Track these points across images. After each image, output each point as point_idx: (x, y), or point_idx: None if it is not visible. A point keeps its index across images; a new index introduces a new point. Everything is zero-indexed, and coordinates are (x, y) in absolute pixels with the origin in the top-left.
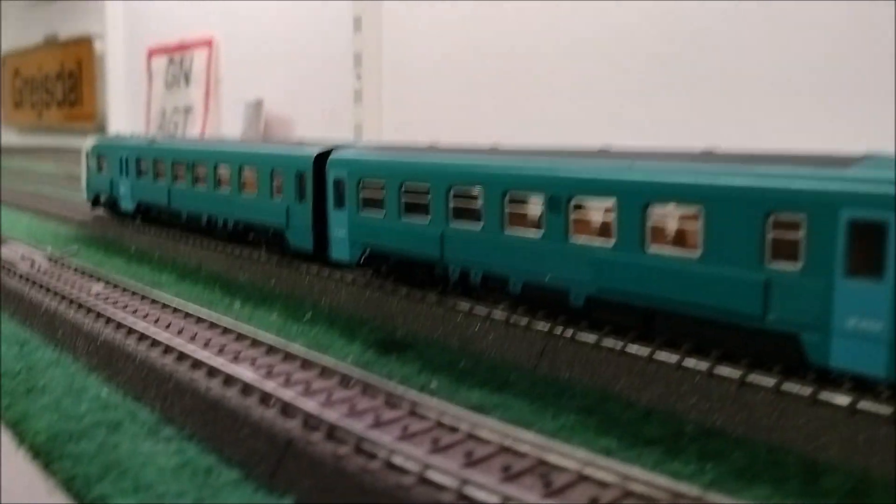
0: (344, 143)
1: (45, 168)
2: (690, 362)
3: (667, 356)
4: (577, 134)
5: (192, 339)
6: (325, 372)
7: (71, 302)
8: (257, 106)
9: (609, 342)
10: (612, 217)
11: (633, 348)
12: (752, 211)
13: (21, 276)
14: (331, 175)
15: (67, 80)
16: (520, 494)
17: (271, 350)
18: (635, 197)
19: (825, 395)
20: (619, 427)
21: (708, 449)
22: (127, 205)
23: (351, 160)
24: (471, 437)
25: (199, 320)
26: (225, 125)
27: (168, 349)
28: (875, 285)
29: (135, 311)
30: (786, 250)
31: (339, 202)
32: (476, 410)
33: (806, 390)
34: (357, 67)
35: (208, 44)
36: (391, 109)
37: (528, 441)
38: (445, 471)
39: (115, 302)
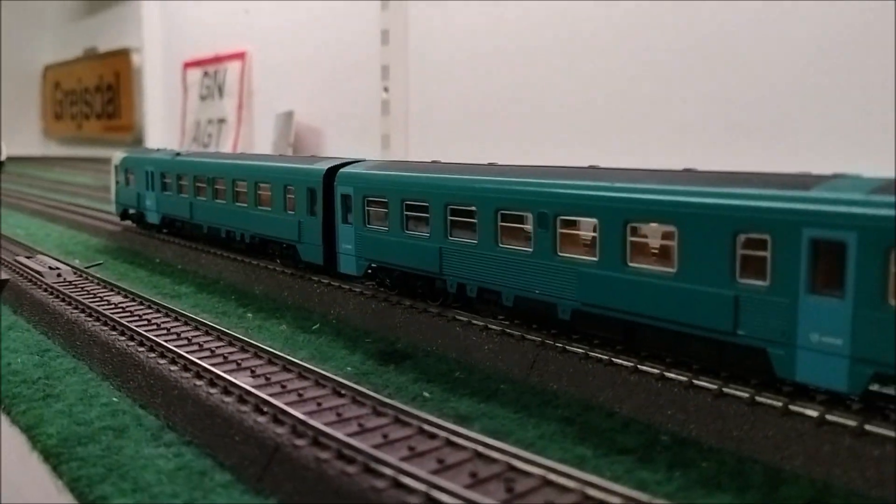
0: (355, 158)
1: (83, 180)
2: (672, 374)
3: (650, 368)
4: (602, 146)
5: (200, 349)
6: (320, 381)
7: (90, 313)
8: (288, 117)
9: (597, 354)
10: (595, 234)
11: (620, 360)
12: (722, 229)
13: (46, 288)
14: (338, 191)
15: (106, 92)
16: (480, 498)
17: (272, 360)
18: (616, 215)
19: (797, 407)
20: (597, 436)
21: (679, 458)
22: (153, 218)
23: (357, 176)
24: (448, 444)
25: (209, 331)
26: (257, 136)
27: (175, 359)
28: (836, 302)
29: (149, 322)
30: (754, 268)
31: (346, 217)
32: (462, 419)
33: (779, 402)
34: (384, 79)
35: (241, 57)
36: (418, 121)
37: (502, 449)
38: (416, 476)
39: (131, 313)
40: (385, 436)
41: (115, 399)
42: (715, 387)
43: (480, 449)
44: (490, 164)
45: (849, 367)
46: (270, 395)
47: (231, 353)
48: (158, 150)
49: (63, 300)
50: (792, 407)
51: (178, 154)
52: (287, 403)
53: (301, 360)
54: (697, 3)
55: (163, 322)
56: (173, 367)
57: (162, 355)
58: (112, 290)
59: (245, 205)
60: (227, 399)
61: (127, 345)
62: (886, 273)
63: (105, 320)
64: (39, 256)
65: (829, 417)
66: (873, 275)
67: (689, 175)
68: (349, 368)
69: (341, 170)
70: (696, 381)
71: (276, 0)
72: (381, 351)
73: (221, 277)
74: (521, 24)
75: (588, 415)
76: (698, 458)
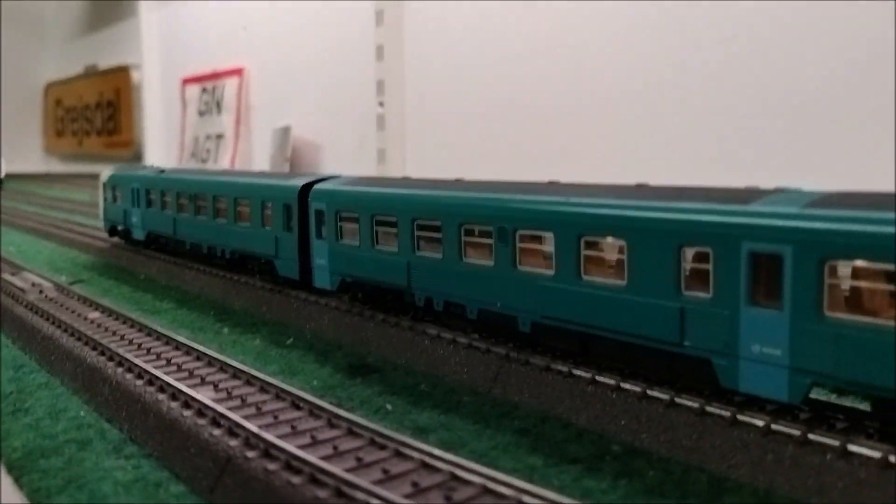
0: (331, 175)
1: (80, 196)
2: (628, 385)
3: (607, 379)
4: (602, 164)
5: (167, 363)
6: (280, 395)
7: (65, 328)
8: (285, 132)
9: (558, 366)
10: (551, 248)
11: (579, 371)
12: (667, 243)
13: (26, 304)
14: (312, 206)
15: (106, 108)
16: None
17: (237, 374)
18: (570, 229)
19: (745, 417)
20: (550, 446)
21: (627, 468)
22: (138, 234)
23: (330, 192)
24: (396, 454)
25: (179, 346)
26: (255, 151)
27: (141, 373)
28: (775, 314)
29: (122, 338)
30: (698, 280)
31: (320, 232)
32: (419, 431)
33: (728, 412)
34: (379, 94)
35: (239, 73)
36: (414, 135)
37: (447, 460)
38: (357, 486)
39: (105, 329)
40: (335, 447)
41: (82, 413)
42: (667, 397)
43: (427, 459)
44: (457, 180)
45: (788, 377)
46: (229, 408)
47: (197, 367)
48: (144, 167)
49: (41, 316)
50: (740, 417)
51: (162, 171)
52: (244, 416)
53: (269, 375)
54: (701, 12)
55: (135, 338)
56: (139, 382)
57: (129, 370)
58: (91, 307)
59: (225, 220)
60: (187, 413)
61: (97, 360)
62: (821, 285)
63: (79, 336)
64: (24, 273)
65: (774, 427)
66: (809, 287)
67: (640, 190)
68: (315, 382)
69: (315, 186)
70: (649, 392)
71: (273, 17)
72: (350, 365)
73: (202, 293)
74: (516, 39)
75: (545, 426)
76: (646, 467)
